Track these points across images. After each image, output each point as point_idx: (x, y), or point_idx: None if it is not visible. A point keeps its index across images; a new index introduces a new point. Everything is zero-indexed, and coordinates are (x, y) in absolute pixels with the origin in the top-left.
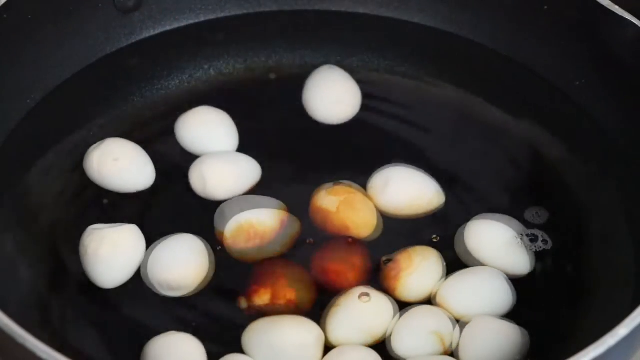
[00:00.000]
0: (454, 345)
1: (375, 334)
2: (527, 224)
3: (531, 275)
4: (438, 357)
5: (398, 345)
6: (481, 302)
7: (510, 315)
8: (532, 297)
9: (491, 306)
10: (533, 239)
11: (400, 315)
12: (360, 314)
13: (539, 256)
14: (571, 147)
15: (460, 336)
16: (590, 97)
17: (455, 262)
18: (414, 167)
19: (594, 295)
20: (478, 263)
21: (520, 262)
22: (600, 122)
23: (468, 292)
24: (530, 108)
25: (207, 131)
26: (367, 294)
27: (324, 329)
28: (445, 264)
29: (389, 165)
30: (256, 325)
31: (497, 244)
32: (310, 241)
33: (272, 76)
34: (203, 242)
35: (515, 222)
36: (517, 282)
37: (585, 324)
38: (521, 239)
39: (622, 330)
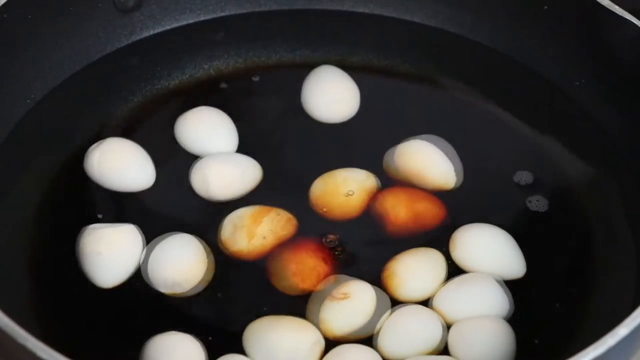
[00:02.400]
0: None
1: (367, 328)
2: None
3: (531, 276)
4: (438, 357)
5: (385, 344)
6: (478, 308)
7: (510, 316)
8: (532, 297)
9: (488, 312)
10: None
11: (391, 313)
12: (350, 306)
13: (538, 256)
14: (571, 147)
15: (450, 334)
16: (590, 97)
17: (452, 266)
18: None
19: (594, 295)
20: (473, 267)
21: (516, 264)
22: (600, 122)
23: (464, 298)
24: (530, 108)
25: (207, 131)
26: (345, 293)
27: (316, 321)
28: (447, 265)
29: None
30: (256, 325)
31: (492, 247)
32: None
33: (272, 76)
34: (202, 242)
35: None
36: (515, 282)
37: (585, 324)
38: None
39: (622, 330)
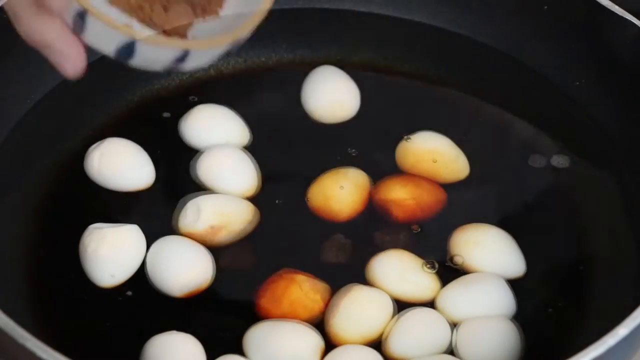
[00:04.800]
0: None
1: (375, 332)
2: (527, 223)
3: (530, 275)
4: (438, 357)
5: (395, 346)
6: (484, 308)
7: (513, 315)
8: (532, 298)
9: (492, 312)
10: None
11: (400, 316)
12: (359, 310)
13: (537, 256)
14: (571, 147)
15: (456, 334)
16: (590, 97)
17: (451, 266)
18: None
19: (594, 295)
20: (474, 267)
21: (515, 263)
22: (600, 122)
23: (470, 298)
24: (531, 108)
25: (213, 128)
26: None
27: (326, 324)
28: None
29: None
30: (257, 328)
31: (491, 247)
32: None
33: (272, 76)
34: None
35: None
36: (516, 283)
37: (585, 324)
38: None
39: (622, 330)
